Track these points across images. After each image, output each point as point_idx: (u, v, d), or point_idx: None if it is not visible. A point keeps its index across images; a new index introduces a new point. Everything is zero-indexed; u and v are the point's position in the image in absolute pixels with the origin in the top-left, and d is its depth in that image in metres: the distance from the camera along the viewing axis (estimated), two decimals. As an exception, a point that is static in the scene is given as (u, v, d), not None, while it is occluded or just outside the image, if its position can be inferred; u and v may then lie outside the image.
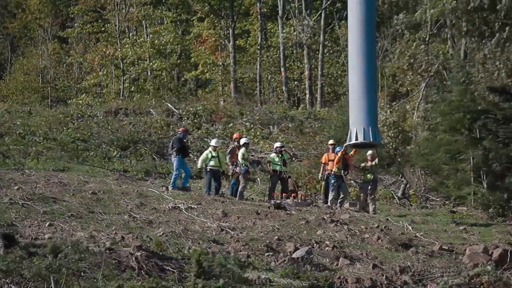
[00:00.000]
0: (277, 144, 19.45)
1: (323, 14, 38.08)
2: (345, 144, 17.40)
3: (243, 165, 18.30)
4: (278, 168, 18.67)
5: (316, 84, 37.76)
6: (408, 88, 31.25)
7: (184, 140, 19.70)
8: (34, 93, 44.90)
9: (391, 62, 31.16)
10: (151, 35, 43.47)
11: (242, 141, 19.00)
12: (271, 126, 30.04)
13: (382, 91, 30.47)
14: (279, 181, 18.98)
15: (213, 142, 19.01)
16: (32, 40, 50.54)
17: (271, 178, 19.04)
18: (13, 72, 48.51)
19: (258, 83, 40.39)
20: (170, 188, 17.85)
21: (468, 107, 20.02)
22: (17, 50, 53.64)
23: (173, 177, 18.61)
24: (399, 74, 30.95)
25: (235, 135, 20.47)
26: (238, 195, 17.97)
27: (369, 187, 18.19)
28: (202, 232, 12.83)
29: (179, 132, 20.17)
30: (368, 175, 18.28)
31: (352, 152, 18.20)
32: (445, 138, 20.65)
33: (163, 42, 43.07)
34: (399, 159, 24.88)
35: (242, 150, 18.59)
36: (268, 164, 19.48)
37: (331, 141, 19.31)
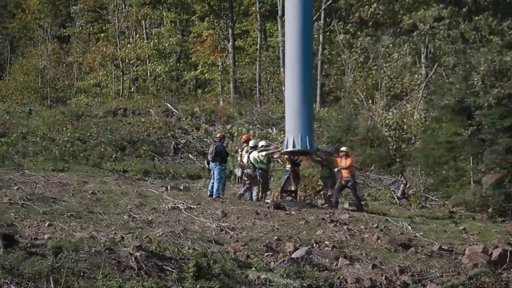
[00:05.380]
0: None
1: (322, 14, 38.03)
2: (281, 151, 17.60)
3: (257, 169, 18.17)
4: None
5: (316, 84, 37.68)
6: (408, 88, 31.22)
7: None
8: (33, 93, 44.77)
9: (391, 62, 31.19)
10: (154, 40, 43.12)
11: (252, 143, 18.61)
12: (270, 127, 29.99)
13: (382, 91, 30.42)
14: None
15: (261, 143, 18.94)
16: (32, 40, 50.40)
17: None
18: (12, 72, 48.40)
19: (257, 83, 40.32)
20: (215, 196, 17.41)
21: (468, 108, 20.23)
22: (16, 50, 53.55)
23: (216, 185, 17.77)
24: (398, 74, 30.93)
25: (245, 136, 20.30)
26: (249, 196, 18.03)
27: (329, 183, 18.06)
28: (201, 232, 12.83)
29: (218, 139, 18.75)
30: (326, 171, 18.17)
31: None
32: (446, 136, 20.80)
33: (164, 45, 42.94)
34: (398, 160, 24.85)
35: (256, 153, 18.33)
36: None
37: (343, 148, 19.07)
